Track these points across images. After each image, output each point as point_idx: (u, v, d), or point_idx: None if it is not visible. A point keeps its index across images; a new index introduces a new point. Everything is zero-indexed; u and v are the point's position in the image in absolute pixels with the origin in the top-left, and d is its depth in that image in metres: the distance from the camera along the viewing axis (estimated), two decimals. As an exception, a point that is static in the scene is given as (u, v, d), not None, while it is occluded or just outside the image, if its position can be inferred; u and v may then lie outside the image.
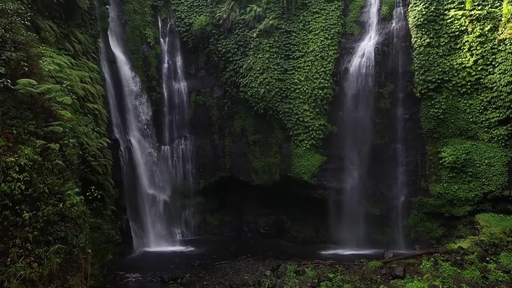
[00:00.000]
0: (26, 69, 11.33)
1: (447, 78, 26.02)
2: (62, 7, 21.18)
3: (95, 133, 20.79)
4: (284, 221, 31.73)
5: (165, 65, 33.74)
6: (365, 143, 28.32)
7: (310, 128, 29.04)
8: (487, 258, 19.11)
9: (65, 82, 12.95)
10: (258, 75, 30.22)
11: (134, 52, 31.47)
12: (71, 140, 11.74)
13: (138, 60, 31.57)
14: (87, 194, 12.96)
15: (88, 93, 21.87)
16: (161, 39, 33.94)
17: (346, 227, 28.88)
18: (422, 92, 26.62)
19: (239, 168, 32.43)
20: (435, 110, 26.32)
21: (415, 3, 27.04)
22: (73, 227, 10.88)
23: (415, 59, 26.83)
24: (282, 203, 31.55)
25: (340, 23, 29.61)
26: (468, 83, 25.59)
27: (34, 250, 9.86)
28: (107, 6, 29.02)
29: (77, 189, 11.07)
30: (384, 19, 28.69)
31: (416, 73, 26.75)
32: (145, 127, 31.02)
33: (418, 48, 26.65)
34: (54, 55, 18.24)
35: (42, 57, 12.88)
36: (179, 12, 33.74)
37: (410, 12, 27.22)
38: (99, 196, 13.13)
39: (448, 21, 26.11)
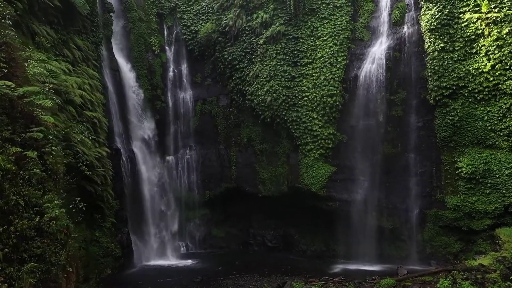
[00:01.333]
0: (6, 71, 10.51)
1: (463, 84, 24.76)
2: (60, 13, 20.61)
3: (92, 142, 20.03)
4: (292, 234, 30.53)
5: (170, 73, 33.08)
6: (377, 153, 27.15)
7: (318, 137, 27.94)
8: (511, 277, 17.57)
9: (48, 85, 12.08)
10: (265, 82, 29.34)
11: (139, 60, 30.86)
12: (54, 148, 10.82)
13: (143, 68, 30.95)
14: (70, 206, 11.96)
15: (87, 101, 21.14)
16: (167, 47, 33.36)
17: (357, 241, 27.60)
18: (437, 98, 25.37)
19: (245, 178, 31.42)
20: (450, 118, 25.01)
21: (428, 7, 25.97)
22: (52, 243, 9.90)
23: (428, 64, 25.69)
24: (290, 215, 30.40)
25: (349, 29, 28.71)
26: (486, 89, 24.26)
27: (5, 269, 8.87)
28: (111, 14, 28.57)
29: (56, 201, 10.09)
30: (396, 24, 27.69)
31: (430, 79, 25.57)
32: (149, 136, 30.21)
33: (431, 53, 25.52)
34: (49, 60, 17.56)
35: (28, 60, 12.06)
36: (185, 20, 33.18)
37: (423, 16, 26.16)
38: (84, 208, 12.16)
39: (463, 24, 24.95)
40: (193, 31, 32.93)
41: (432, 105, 25.80)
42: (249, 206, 31.78)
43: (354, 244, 27.64)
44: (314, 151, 28.10)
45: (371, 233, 27.19)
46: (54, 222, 9.81)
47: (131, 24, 30.90)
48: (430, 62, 25.60)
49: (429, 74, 25.63)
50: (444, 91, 25.10)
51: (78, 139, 16.67)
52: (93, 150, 20.14)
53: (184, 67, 33.60)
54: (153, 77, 31.62)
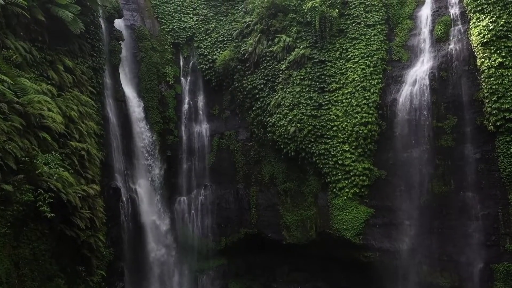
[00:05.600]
0: None
1: (531, 105, 20.22)
2: (47, 30, 18.18)
3: (74, 177, 16.73)
4: (323, 291, 25.79)
5: (185, 105, 30.23)
6: (424, 191, 23.09)
7: (351, 173, 24.17)
8: None
9: None
10: (288, 111, 25.96)
11: (149, 91, 28.23)
12: None
13: (153, 100, 28.21)
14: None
15: (74, 130, 18.11)
16: (182, 78, 30.76)
17: (404, 301, 22.67)
18: (497, 124, 21.00)
19: (267, 223, 27.49)
20: (517, 147, 20.31)
21: (479, 18, 22.22)
22: None
23: (483, 84, 21.62)
24: (320, 268, 26.51)
25: (384, 49, 25.50)
26: (561, 110, 19.60)
27: None
28: (120, 42, 26.43)
29: None
30: (439, 40, 24.12)
31: (487, 100, 21.36)
32: (157, 174, 26.84)
33: (487, 71, 21.52)
34: (21, 78, 14.79)
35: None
36: (202, 49, 30.73)
37: (473, 29, 22.44)
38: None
39: (525, 35, 20.81)
40: (211, 60, 30.32)
41: (492, 132, 21.40)
42: (272, 256, 27.68)
43: (400, 305, 22.83)
44: (347, 190, 24.17)
45: (422, 292, 22.36)
46: None
47: (142, 53, 28.65)
48: (486, 81, 21.47)
49: (486, 95, 21.42)
50: (506, 114, 20.73)
51: (40, 170, 13.28)
52: (75, 187, 16.77)
53: (201, 99, 30.75)
54: (166, 110, 28.81)
